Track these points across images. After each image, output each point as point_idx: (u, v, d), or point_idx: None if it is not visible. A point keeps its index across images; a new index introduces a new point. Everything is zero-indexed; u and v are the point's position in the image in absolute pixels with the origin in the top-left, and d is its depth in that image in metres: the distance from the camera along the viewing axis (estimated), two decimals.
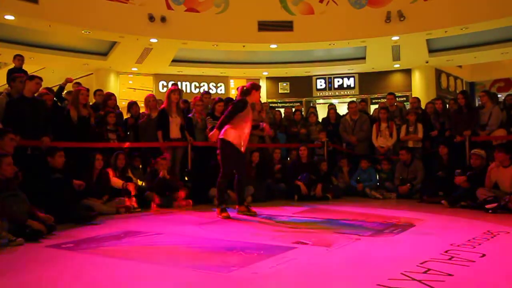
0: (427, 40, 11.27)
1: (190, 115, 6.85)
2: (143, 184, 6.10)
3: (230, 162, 4.78)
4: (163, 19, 10.20)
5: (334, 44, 11.38)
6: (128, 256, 3.02)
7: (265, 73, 13.95)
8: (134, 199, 5.57)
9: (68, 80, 6.80)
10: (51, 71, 13.75)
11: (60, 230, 3.97)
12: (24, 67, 7.48)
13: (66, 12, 9.28)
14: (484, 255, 2.84)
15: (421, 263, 2.61)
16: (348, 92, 14.05)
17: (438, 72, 13.62)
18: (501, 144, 5.69)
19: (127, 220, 4.75)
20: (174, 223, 4.58)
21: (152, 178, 5.85)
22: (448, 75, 14.19)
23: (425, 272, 2.43)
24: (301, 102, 13.74)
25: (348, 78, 14.05)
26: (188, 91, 13.55)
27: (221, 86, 14.17)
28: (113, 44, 11.20)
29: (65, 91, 6.98)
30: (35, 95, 5.37)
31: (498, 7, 9.28)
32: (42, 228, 3.63)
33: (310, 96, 14.23)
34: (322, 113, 9.31)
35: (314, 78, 14.20)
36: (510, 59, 13.26)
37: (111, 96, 6.86)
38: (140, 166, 6.57)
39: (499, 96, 10.26)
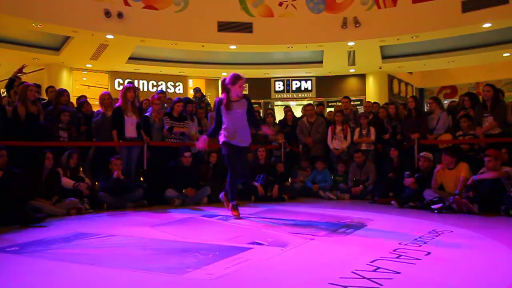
0: (381, 47, 11.74)
1: (147, 114, 6.71)
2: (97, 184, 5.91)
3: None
4: (120, 15, 9.92)
5: (292, 47, 11.58)
6: (79, 260, 2.92)
7: (224, 74, 13.87)
8: (86, 200, 5.39)
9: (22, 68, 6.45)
10: None
11: (4, 232, 3.77)
12: None
13: (16, 3, 8.76)
14: (429, 253, 2.99)
15: (371, 262, 2.72)
16: (306, 95, 14.34)
17: (391, 78, 14.20)
18: (447, 148, 6.00)
19: (78, 222, 4.57)
20: (128, 224, 4.47)
21: (106, 178, 5.69)
22: (399, 81, 14.83)
23: (374, 271, 2.53)
24: (259, 104, 13.83)
25: (306, 81, 14.33)
26: (146, 89, 13.26)
27: (179, 85, 13.99)
28: (66, 39, 10.75)
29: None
30: None
31: (446, 18, 9.84)
32: None
33: (269, 98, 14.38)
34: (280, 115, 9.42)
35: (272, 80, 14.36)
36: (456, 68, 14.10)
37: (63, 92, 6.58)
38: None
39: (445, 102, 10.88)
